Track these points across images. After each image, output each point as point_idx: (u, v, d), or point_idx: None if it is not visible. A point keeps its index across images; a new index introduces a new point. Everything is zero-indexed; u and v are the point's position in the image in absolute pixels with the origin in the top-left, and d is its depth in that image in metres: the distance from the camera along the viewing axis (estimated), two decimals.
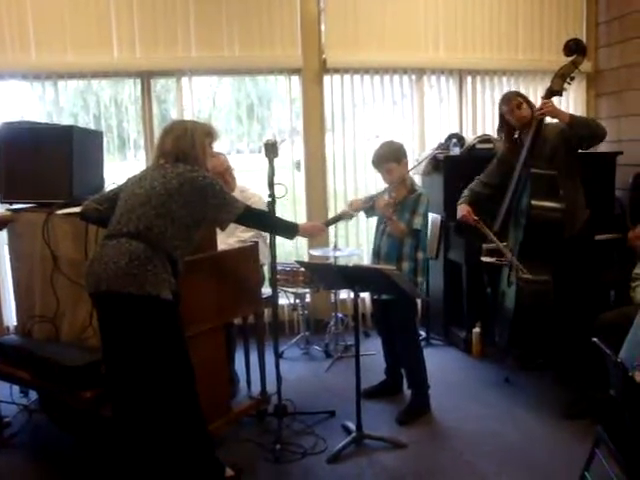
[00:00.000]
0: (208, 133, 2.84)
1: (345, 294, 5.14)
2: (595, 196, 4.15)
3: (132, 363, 2.57)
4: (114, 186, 2.90)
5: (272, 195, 3.20)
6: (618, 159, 4.95)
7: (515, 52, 5.30)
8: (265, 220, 3.04)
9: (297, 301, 4.80)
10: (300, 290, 4.62)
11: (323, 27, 5.03)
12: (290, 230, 3.05)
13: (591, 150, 4.44)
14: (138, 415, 2.65)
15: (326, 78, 5.11)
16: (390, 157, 3.57)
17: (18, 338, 3.52)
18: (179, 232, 2.62)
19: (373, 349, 4.51)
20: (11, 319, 4.33)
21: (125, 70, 4.82)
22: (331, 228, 5.01)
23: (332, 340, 4.81)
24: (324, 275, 3.47)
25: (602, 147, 4.94)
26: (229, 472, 2.89)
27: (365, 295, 5.22)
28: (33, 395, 3.77)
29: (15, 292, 3.73)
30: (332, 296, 4.95)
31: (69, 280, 3.27)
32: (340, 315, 4.92)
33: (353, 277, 3.16)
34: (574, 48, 3.51)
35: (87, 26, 4.65)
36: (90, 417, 3.02)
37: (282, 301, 4.93)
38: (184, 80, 4.93)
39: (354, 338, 3.33)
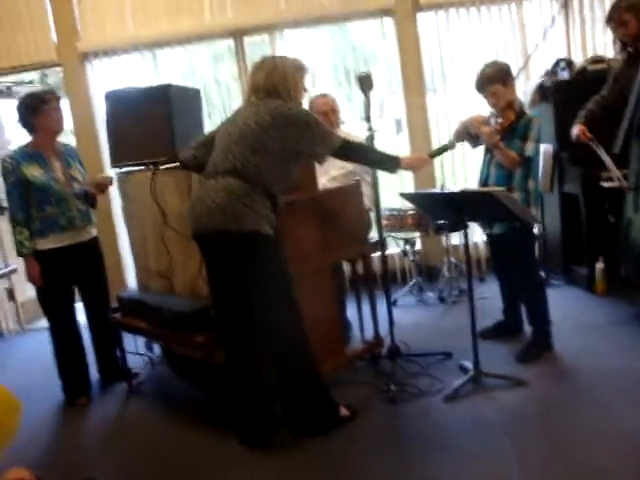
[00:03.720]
0: (299, 67, 2.78)
1: (457, 239, 4.94)
2: None
3: (239, 300, 2.60)
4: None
5: (370, 129, 3.10)
6: None
7: None
8: (365, 152, 2.91)
9: (407, 247, 4.67)
10: (409, 235, 4.49)
11: None
12: (392, 162, 2.88)
13: None
14: (250, 354, 2.69)
15: (420, 16, 4.91)
16: (495, 78, 3.28)
17: (135, 292, 3.67)
18: (276, 167, 2.60)
19: (488, 293, 4.33)
20: (132, 277, 4.55)
21: (218, 31, 4.87)
22: (438, 167, 4.87)
23: (446, 286, 4.67)
24: (430, 205, 3.28)
25: None
26: (344, 412, 2.88)
27: (478, 240, 5.04)
28: (157, 350, 3.95)
29: (132, 250, 3.88)
30: (444, 240, 4.79)
31: (178, 234, 3.35)
32: (453, 260, 4.75)
33: (460, 204, 2.98)
34: None
35: None
36: (206, 367, 3.09)
37: (391, 250, 4.83)
38: (278, 37, 4.91)
39: (466, 274, 3.18)
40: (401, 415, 2.97)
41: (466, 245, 3.15)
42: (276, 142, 2.56)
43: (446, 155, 4.81)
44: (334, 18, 4.99)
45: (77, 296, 3.67)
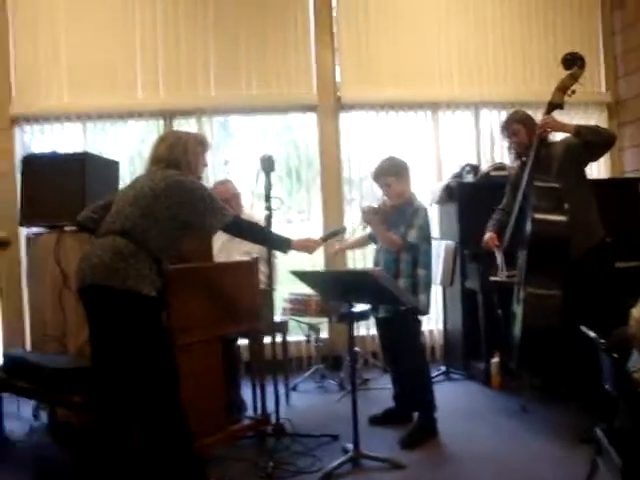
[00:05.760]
0: (201, 142, 2.93)
1: (364, 330, 5.06)
2: (618, 223, 4.01)
3: (115, 359, 2.58)
4: None
5: (269, 208, 3.24)
6: None
7: (530, 84, 5.31)
8: (256, 231, 3.02)
9: (311, 332, 4.71)
10: (314, 320, 4.57)
11: (337, 65, 5.22)
12: (283, 243, 3.00)
13: (616, 176, 4.37)
14: (119, 418, 2.64)
15: (342, 115, 5.25)
16: (390, 171, 3.53)
17: (21, 351, 3.60)
18: (164, 233, 2.66)
19: (390, 384, 4.37)
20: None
21: (149, 110, 5.07)
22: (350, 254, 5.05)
23: (348, 375, 4.68)
24: (319, 284, 3.39)
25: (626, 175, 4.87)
26: None
27: None
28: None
29: (30, 313, 3.85)
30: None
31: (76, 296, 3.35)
32: (358, 350, 4.80)
33: (345, 284, 3.10)
34: (571, 61, 3.50)
35: (114, 69, 4.96)
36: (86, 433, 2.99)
37: (297, 336, 4.90)
38: (205, 121, 5.13)
39: (349, 356, 3.25)
40: None
41: (350, 326, 3.26)
42: (166, 209, 2.64)
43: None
44: (261, 109, 5.27)
45: None
